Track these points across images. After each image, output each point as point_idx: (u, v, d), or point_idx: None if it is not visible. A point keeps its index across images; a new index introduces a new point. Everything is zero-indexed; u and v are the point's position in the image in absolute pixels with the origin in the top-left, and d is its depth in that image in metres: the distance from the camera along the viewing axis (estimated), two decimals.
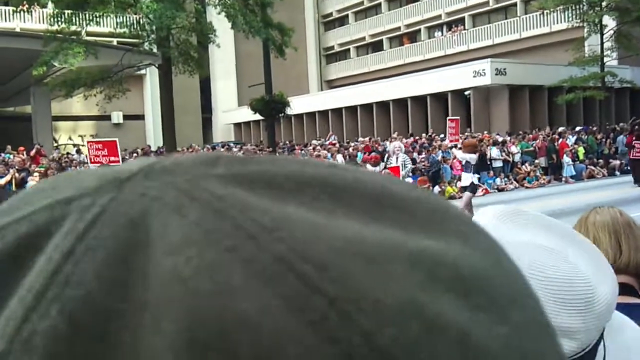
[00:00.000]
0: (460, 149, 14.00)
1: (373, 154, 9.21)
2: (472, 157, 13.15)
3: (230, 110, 45.56)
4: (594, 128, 27.04)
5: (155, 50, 20.80)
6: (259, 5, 18.86)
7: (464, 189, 13.17)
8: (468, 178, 12.96)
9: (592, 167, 22.84)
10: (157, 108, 26.98)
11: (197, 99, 43.58)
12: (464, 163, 12.78)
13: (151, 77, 34.68)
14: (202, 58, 22.22)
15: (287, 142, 29.76)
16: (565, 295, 0.66)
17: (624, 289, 1.60)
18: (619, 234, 1.71)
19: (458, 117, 16.50)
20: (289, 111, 22.22)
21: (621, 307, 1.51)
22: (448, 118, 14.94)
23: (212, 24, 20.34)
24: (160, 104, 20.74)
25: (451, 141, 15.27)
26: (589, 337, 0.67)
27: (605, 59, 27.97)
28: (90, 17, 20.12)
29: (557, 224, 0.76)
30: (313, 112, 40.14)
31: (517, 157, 22.45)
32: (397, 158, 14.92)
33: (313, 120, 40.87)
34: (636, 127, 17.96)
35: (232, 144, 28.85)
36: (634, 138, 17.46)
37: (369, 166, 8.86)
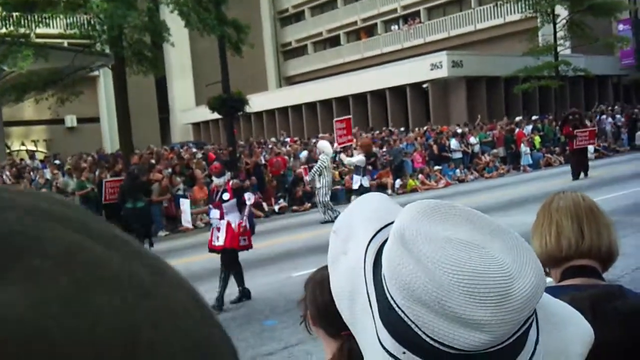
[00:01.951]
0: (353, 150, 13.32)
1: (216, 162, 8.53)
2: (361, 160, 12.75)
3: (188, 109, 44.99)
4: (550, 117, 27.55)
5: (107, 50, 20.30)
6: (212, 2, 18.56)
7: (355, 192, 12.41)
8: (357, 181, 12.46)
9: (549, 155, 23.25)
10: (112, 110, 26.38)
11: (154, 100, 42.89)
12: (352, 167, 12.29)
13: (105, 79, 33.95)
14: (156, 57, 21.75)
15: (247, 140, 29.49)
16: (477, 288, 0.66)
17: (587, 272, 1.70)
18: (580, 218, 1.73)
19: (349, 117, 15.19)
20: (247, 109, 21.97)
21: (573, 288, 1.55)
22: (335, 119, 13.41)
23: (165, 23, 19.94)
24: (116, 105, 20.23)
25: (340, 143, 13.76)
26: (504, 330, 0.67)
27: (558, 48, 28.49)
28: (39, 19, 19.51)
29: (483, 218, 0.75)
30: (272, 109, 39.94)
31: (477, 148, 22.70)
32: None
33: (273, 118, 40.66)
34: (570, 116, 17.79)
35: (191, 144, 28.41)
36: (570, 128, 17.11)
37: (214, 178, 8.20)
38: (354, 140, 12.99)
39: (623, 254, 6.88)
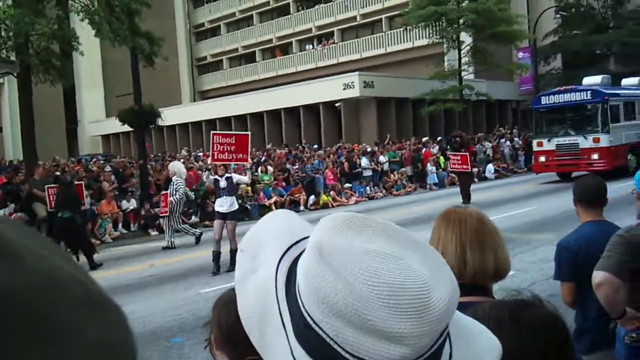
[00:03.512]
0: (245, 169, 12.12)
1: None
2: (245, 181, 11.99)
3: (97, 121, 43.63)
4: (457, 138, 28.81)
5: (13, 58, 19.51)
6: (125, 13, 18.27)
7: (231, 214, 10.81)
8: (232, 203, 10.86)
9: (453, 175, 24.34)
10: (16, 118, 25.25)
11: (61, 110, 41.34)
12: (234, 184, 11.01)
13: (9, 86, 32.41)
14: (64, 66, 21.08)
15: (159, 153, 29.00)
16: (397, 300, 0.66)
17: (477, 289, 1.75)
18: (464, 244, 1.79)
19: (247, 133, 12.45)
20: (160, 122, 21.67)
21: (471, 304, 1.52)
22: (213, 132, 11.65)
23: (75, 31, 19.42)
24: (20, 114, 19.44)
25: (217, 160, 11.15)
26: (423, 342, 0.67)
27: (462, 73, 30.00)
28: None
29: (398, 230, 0.76)
30: (186, 123, 39.48)
31: (386, 166, 23.46)
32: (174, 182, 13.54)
33: (186, 132, 40.19)
34: (452, 139, 18.19)
35: (99, 157, 27.60)
36: (450, 151, 17.32)
37: None
38: (248, 159, 11.86)
39: (520, 270, 7.52)
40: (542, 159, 20.63)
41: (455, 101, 29.76)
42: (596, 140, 19.28)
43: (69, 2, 19.24)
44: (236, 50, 49.59)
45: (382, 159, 23.58)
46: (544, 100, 21.01)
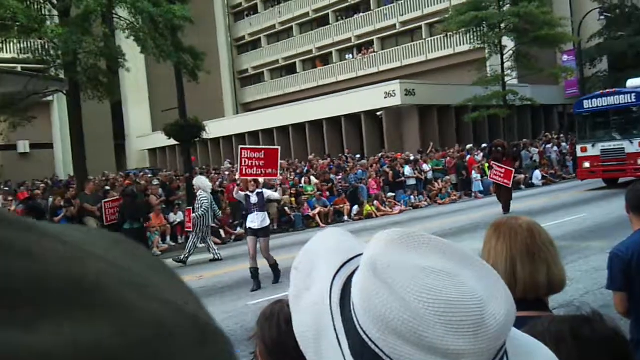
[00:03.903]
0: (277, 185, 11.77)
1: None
2: (277, 197, 11.68)
3: (144, 135, 44.61)
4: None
5: (62, 75, 20.16)
6: (169, 29, 18.70)
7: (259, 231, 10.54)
8: (263, 219, 10.63)
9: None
10: (66, 135, 26.07)
11: (109, 125, 42.40)
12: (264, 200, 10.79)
13: (59, 104, 33.47)
14: (112, 83, 21.67)
15: (204, 166, 29.47)
16: (454, 317, 0.66)
17: (531, 304, 1.72)
18: (515, 260, 1.75)
19: (276, 147, 12.32)
20: (204, 135, 22.05)
21: (529, 319, 1.50)
22: (241, 147, 11.38)
23: (121, 48, 19.97)
24: (70, 131, 20.03)
25: (245, 175, 10.99)
26: (481, 359, 0.67)
27: (506, 78, 29.57)
28: None
29: (452, 246, 0.75)
30: (229, 135, 40.00)
31: (430, 175, 23.25)
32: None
33: (230, 144, 40.70)
34: (492, 148, 17.55)
35: (147, 170, 28.21)
36: (492, 160, 16.86)
37: None
38: (278, 174, 11.79)
39: (572, 279, 7.29)
40: (587, 164, 20.00)
41: (499, 107, 29.34)
42: None
43: (114, 20, 19.80)
44: (277, 61, 50.07)
45: (425, 167, 23.39)
46: (587, 104, 20.38)
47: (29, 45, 20.31)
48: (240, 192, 10.99)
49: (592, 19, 33.54)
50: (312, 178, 21.36)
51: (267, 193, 10.95)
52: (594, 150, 19.66)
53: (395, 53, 42.02)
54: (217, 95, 49.97)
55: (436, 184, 23.06)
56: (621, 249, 3.52)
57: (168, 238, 17.51)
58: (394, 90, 31.41)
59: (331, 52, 46.44)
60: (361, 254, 0.77)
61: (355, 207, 20.14)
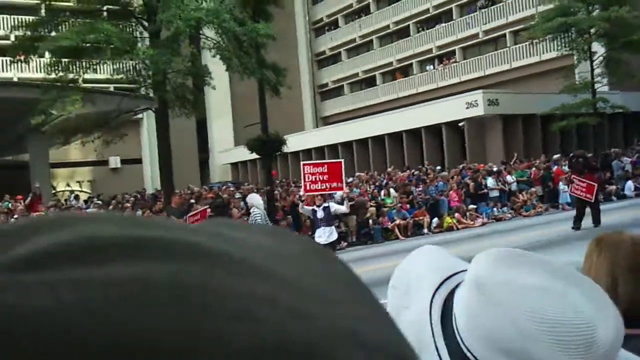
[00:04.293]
0: (343, 199, 11.54)
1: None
2: (343, 210, 11.34)
3: (227, 150, 45.84)
4: (589, 154, 27.23)
5: (151, 94, 21.09)
6: (253, 46, 19.20)
7: (330, 246, 10.12)
8: (330, 233, 10.55)
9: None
10: (154, 151, 27.19)
11: (194, 141, 43.91)
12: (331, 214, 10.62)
13: (148, 121, 35.01)
14: (197, 100, 22.50)
15: (284, 179, 29.92)
16: (566, 338, 0.65)
17: (634, 320, 1.61)
18: (616, 275, 1.69)
19: (339, 161, 12.61)
20: (285, 149, 22.43)
21: (634, 338, 1.47)
22: (304, 163, 11.50)
23: (207, 67, 20.69)
24: (158, 147, 20.90)
25: (310, 191, 11.11)
26: None
27: (595, 85, 28.36)
28: (87, 65, 20.44)
29: (556, 264, 0.74)
30: (309, 149, 40.43)
31: (514, 186, 22.58)
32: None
33: (309, 157, 41.05)
34: (574, 159, 16.65)
35: (229, 184, 28.98)
36: (573, 172, 16.22)
37: None
38: (344, 187, 11.28)
39: None
40: None
41: (588, 115, 28.14)
42: None
43: (201, 39, 20.55)
44: (356, 75, 50.27)
45: (509, 178, 22.72)
46: None
47: (121, 66, 21.35)
48: (306, 206, 10.92)
49: None
50: (392, 190, 21.22)
51: (334, 207, 10.82)
52: None
53: (477, 62, 41.21)
54: (298, 110, 50.71)
55: (520, 196, 22.33)
56: None
57: None
58: (476, 100, 30.77)
59: (411, 64, 46.13)
60: (460, 272, 0.78)
61: (435, 220, 19.82)
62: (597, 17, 27.20)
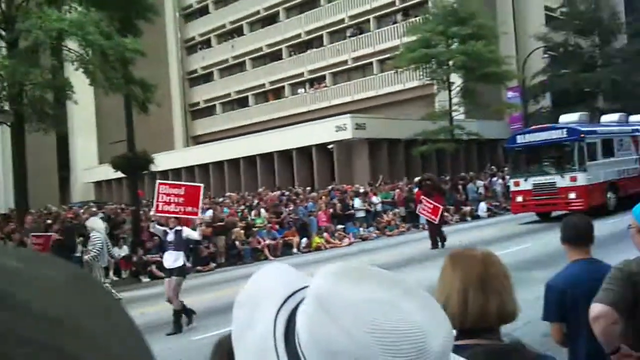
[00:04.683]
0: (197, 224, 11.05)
1: None
2: (196, 236, 10.74)
3: (90, 168, 43.66)
4: (447, 177, 29.01)
5: (6, 107, 19.64)
6: (120, 61, 18.51)
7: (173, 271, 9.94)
8: (179, 259, 9.96)
9: (446, 214, 24.30)
10: (8, 167, 25.29)
11: (54, 157, 41.39)
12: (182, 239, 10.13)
13: (2, 135, 32.55)
14: (58, 115, 21.25)
15: (151, 199, 28.92)
16: (398, 346, 0.69)
17: (482, 331, 1.76)
18: (467, 292, 1.78)
19: (199, 185, 11.71)
20: (153, 168, 21.73)
21: (469, 347, 1.60)
22: (159, 182, 10.82)
23: (69, 80, 19.63)
24: (12, 163, 19.47)
25: (161, 212, 10.46)
26: None
27: (453, 113, 30.33)
28: None
29: (395, 278, 0.78)
30: (179, 168, 39.57)
31: (379, 207, 23.44)
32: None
33: (179, 176, 40.18)
34: (423, 182, 17.48)
35: (92, 204, 27.50)
36: (422, 194, 16.87)
37: None
38: (199, 214, 10.78)
39: None
40: (520, 198, 20.06)
41: (446, 141, 30.00)
42: (573, 179, 18.75)
43: (63, 51, 19.49)
44: (229, 95, 50.15)
45: (375, 199, 23.59)
46: (520, 139, 20.48)
47: None
48: (158, 226, 10.30)
49: (537, 57, 34.87)
50: (262, 210, 21.25)
51: (186, 232, 10.25)
52: (526, 184, 19.72)
53: (346, 88, 42.68)
54: (167, 128, 49.62)
55: (385, 216, 23.26)
56: (556, 281, 3.61)
57: (111, 272, 17.03)
58: (345, 124, 31.78)
59: (283, 86, 46.82)
60: (305, 287, 0.78)
61: (304, 240, 20.09)
62: (455, 50, 29.19)
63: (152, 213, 11.21)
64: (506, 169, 31.31)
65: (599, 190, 19.15)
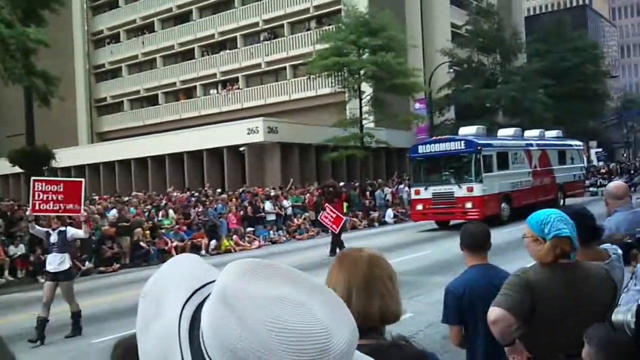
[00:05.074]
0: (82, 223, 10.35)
1: None
2: (81, 234, 10.32)
3: None
4: (356, 183, 29.61)
5: None
6: (20, 50, 17.63)
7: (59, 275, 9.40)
8: (65, 261, 9.47)
9: (355, 219, 24.86)
10: None
11: None
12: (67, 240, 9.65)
13: None
14: None
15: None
16: (300, 346, 0.68)
17: (365, 331, 1.69)
18: (351, 290, 1.78)
19: (80, 180, 10.81)
20: (54, 164, 20.80)
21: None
22: (34, 179, 10.06)
23: None
24: None
25: (38, 211, 9.88)
26: None
27: (363, 122, 31.02)
28: None
29: (302, 276, 0.77)
30: (83, 165, 38.04)
31: (289, 211, 23.58)
32: None
33: (82, 173, 38.60)
34: (325, 189, 17.46)
35: None
36: (325, 201, 16.81)
37: None
38: (82, 210, 10.16)
39: (417, 312, 7.70)
40: (420, 207, 20.54)
41: (356, 148, 30.62)
42: (470, 190, 19.28)
43: None
44: (138, 92, 48.77)
45: (285, 203, 23.72)
46: (421, 149, 20.97)
47: None
48: (38, 227, 9.75)
49: (442, 71, 36.33)
50: (170, 211, 20.85)
51: (72, 231, 9.81)
52: (426, 193, 20.25)
53: (259, 91, 42.62)
54: (71, 123, 47.61)
55: (295, 220, 23.43)
56: (455, 285, 3.73)
57: (6, 272, 16.15)
58: (257, 127, 31.74)
59: (195, 86, 46.10)
60: (214, 281, 0.76)
61: (214, 242, 19.90)
62: (366, 60, 29.88)
63: (28, 213, 10.42)
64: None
65: (494, 200, 19.82)
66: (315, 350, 0.68)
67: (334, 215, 15.80)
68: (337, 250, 15.38)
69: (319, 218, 17.82)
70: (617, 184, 5.52)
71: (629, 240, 3.11)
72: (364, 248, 1.94)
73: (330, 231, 16.60)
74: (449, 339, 3.89)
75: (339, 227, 15.80)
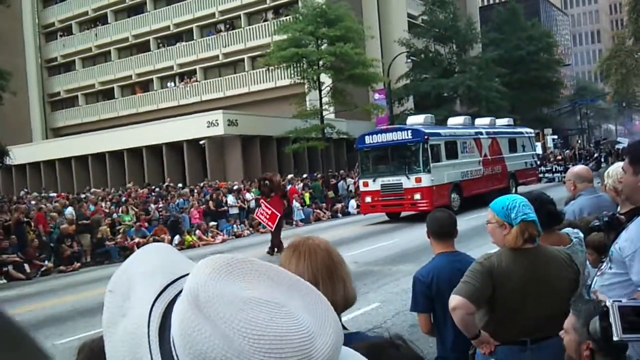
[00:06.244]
0: None
1: None
2: None
3: None
4: (318, 175, 29.65)
5: None
6: None
7: None
8: None
9: (318, 211, 24.91)
10: None
11: None
12: None
13: None
14: None
15: (5, 195, 26.96)
16: (279, 353, 0.62)
17: None
18: (317, 279, 1.74)
19: None
20: (8, 161, 20.26)
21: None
22: None
23: None
24: None
25: None
26: None
27: (323, 113, 31.03)
28: None
29: (280, 272, 0.72)
30: (37, 162, 37.12)
31: (252, 204, 23.47)
32: None
33: (38, 171, 37.78)
34: (261, 182, 16.41)
35: None
36: (261, 195, 16.17)
37: None
38: None
39: (385, 301, 7.77)
40: (368, 199, 20.00)
41: (317, 139, 30.64)
42: (418, 180, 18.84)
43: None
44: (93, 86, 47.73)
45: (248, 196, 23.60)
46: (368, 139, 20.34)
47: None
48: None
49: (401, 61, 36.55)
50: (130, 207, 20.54)
51: None
52: (374, 185, 19.69)
53: (218, 83, 42.20)
54: (24, 118, 46.31)
55: None
56: (422, 273, 3.75)
57: None
58: (217, 120, 31.47)
59: (152, 79, 45.35)
60: (186, 275, 0.71)
61: (177, 237, 19.69)
62: (325, 51, 29.85)
63: None
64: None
65: (443, 191, 19.44)
66: (296, 357, 0.63)
67: (270, 212, 14.79)
68: (276, 250, 14.49)
69: (255, 215, 16.85)
70: (580, 166, 5.66)
71: (597, 223, 3.20)
72: (310, 236, 1.90)
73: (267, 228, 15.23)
74: (418, 326, 3.92)
75: (274, 225, 14.67)
